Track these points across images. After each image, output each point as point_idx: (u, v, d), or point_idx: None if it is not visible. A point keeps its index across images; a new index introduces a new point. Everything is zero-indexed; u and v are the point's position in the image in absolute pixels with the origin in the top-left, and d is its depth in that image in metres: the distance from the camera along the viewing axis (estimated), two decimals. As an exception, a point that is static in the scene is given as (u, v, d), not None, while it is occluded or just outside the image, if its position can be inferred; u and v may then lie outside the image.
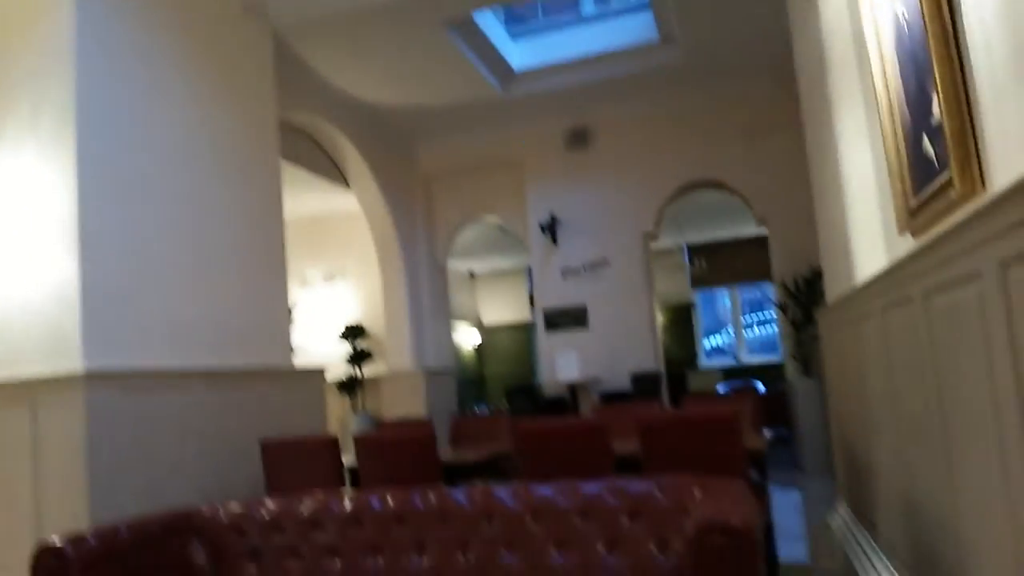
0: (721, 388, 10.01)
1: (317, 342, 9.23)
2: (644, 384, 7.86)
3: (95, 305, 3.70)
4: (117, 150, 4.00)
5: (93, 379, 3.55)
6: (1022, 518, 1.44)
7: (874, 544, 3.52)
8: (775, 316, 9.79)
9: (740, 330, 13.90)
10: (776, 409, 8.07)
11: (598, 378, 8.15)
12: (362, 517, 3.02)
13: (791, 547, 4.73)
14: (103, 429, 3.57)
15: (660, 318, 9.25)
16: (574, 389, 8.09)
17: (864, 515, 3.82)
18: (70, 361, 3.59)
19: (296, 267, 9.21)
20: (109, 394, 3.63)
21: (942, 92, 1.76)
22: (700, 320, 14.15)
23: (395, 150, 8.55)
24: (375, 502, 3.05)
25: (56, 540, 2.64)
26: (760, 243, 9.39)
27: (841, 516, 4.52)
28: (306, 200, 8.58)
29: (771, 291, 8.54)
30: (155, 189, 4.23)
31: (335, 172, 7.99)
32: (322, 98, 7.07)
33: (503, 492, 2.91)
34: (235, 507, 3.22)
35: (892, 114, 2.30)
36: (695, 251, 13.52)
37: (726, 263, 13.45)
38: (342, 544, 2.99)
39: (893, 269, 2.32)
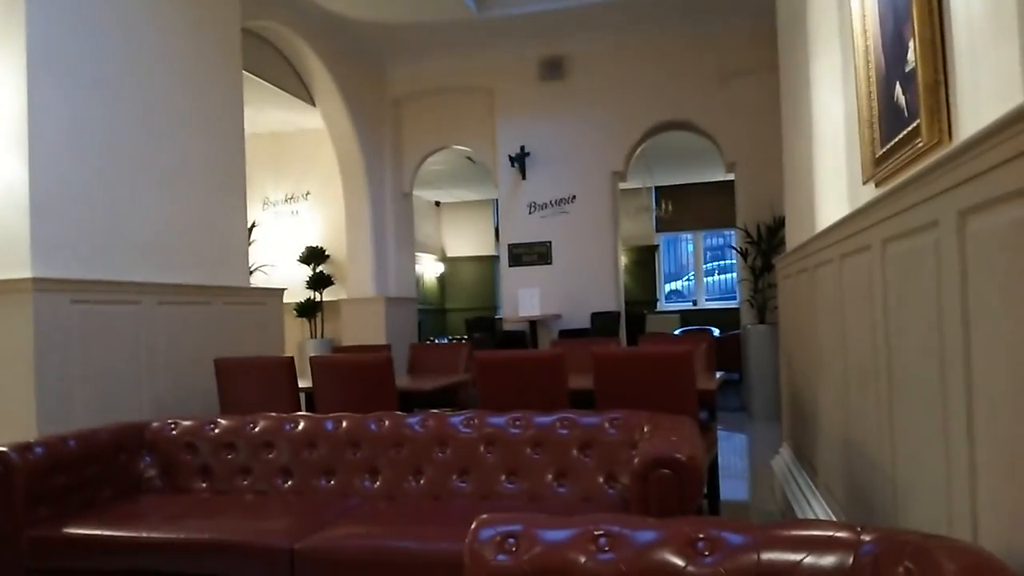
0: (678, 332, 10.18)
1: (276, 264, 9.10)
2: (603, 323, 7.95)
3: (45, 210, 3.58)
4: (69, 47, 3.80)
5: (41, 286, 3.45)
6: (958, 464, 1.49)
7: (812, 486, 3.66)
8: (735, 263, 9.90)
9: (700, 275, 14.08)
10: (729, 353, 8.24)
11: (558, 315, 8.22)
12: (315, 440, 3.03)
13: (734, 487, 4.91)
14: (51, 338, 3.50)
15: (623, 259, 9.29)
16: (534, 325, 8.16)
17: (806, 458, 3.95)
18: (18, 266, 3.48)
19: (257, 185, 9.00)
20: (58, 302, 3.54)
21: (919, 39, 1.74)
22: (662, 264, 14.28)
23: (364, 68, 8.29)
24: (329, 425, 3.06)
25: (2, 447, 2.61)
26: (727, 190, 9.42)
27: (783, 459, 4.68)
28: (268, 115, 8.31)
29: (734, 238, 8.61)
30: (109, 92, 4.05)
31: (300, 88, 7.73)
32: (288, 5, 6.77)
33: (457, 420, 2.95)
34: (187, 424, 3.21)
35: (868, 60, 2.28)
36: (662, 194, 13.54)
37: (692, 208, 13.52)
38: (294, 465, 3.01)
39: (854, 215, 2.34)
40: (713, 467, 3.87)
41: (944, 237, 1.48)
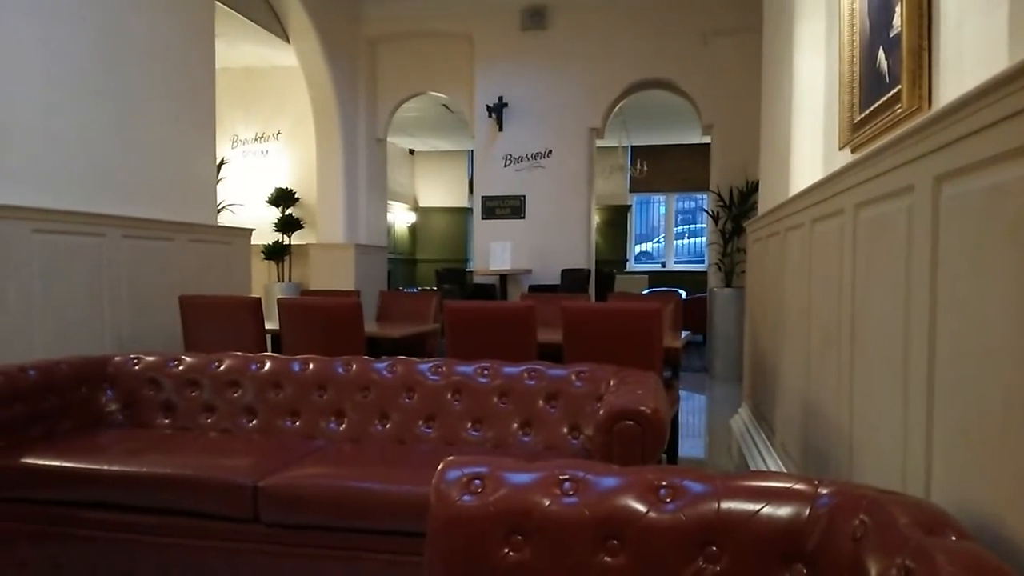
0: (646, 292, 10.26)
1: (244, 204, 8.93)
2: (573, 280, 7.98)
3: (7, 137, 3.46)
4: (32, -32, 3.63)
5: (2, 213, 3.36)
6: (915, 427, 1.53)
7: (769, 445, 3.75)
8: (705, 227, 9.94)
9: (671, 238, 14.15)
10: (694, 315, 8.35)
11: (529, 270, 8.23)
12: (282, 381, 3.01)
13: (692, 445, 5.01)
14: (12, 267, 3.42)
15: (595, 218, 9.30)
16: (504, 279, 8.16)
17: (764, 417, 4.04)
18: (-26, 193, 3.38)
19: (227, 122, 8.77)
20: (18, 230, 3.45)
21: (906, 2, 1.73)
22: (634, 224, 14.31)
23: (340, 5, 8.04)
24: (296, 367, 3.04)
25: (-43, 375, 2.55)
26: (702, 153, 9.43)
27: (742, 418, 4.78)
28: (241, 49, 8.07)
29: (706, 202, 8.64)
30: (74, 17, 3.89)
31: (274, 22, 7.49)
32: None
33: (425, 367, 2.95)
34: (150, 359, 3.17)
35: (852, 24, 2.27)
36: (637, 153, 13.50)
37: (666, 169, 13.50)
38: (259, 405, 2.99)
39: (828, 180, 2.36)
40: (673, 424, 3.94)
41: (918, 202, 1.50)
